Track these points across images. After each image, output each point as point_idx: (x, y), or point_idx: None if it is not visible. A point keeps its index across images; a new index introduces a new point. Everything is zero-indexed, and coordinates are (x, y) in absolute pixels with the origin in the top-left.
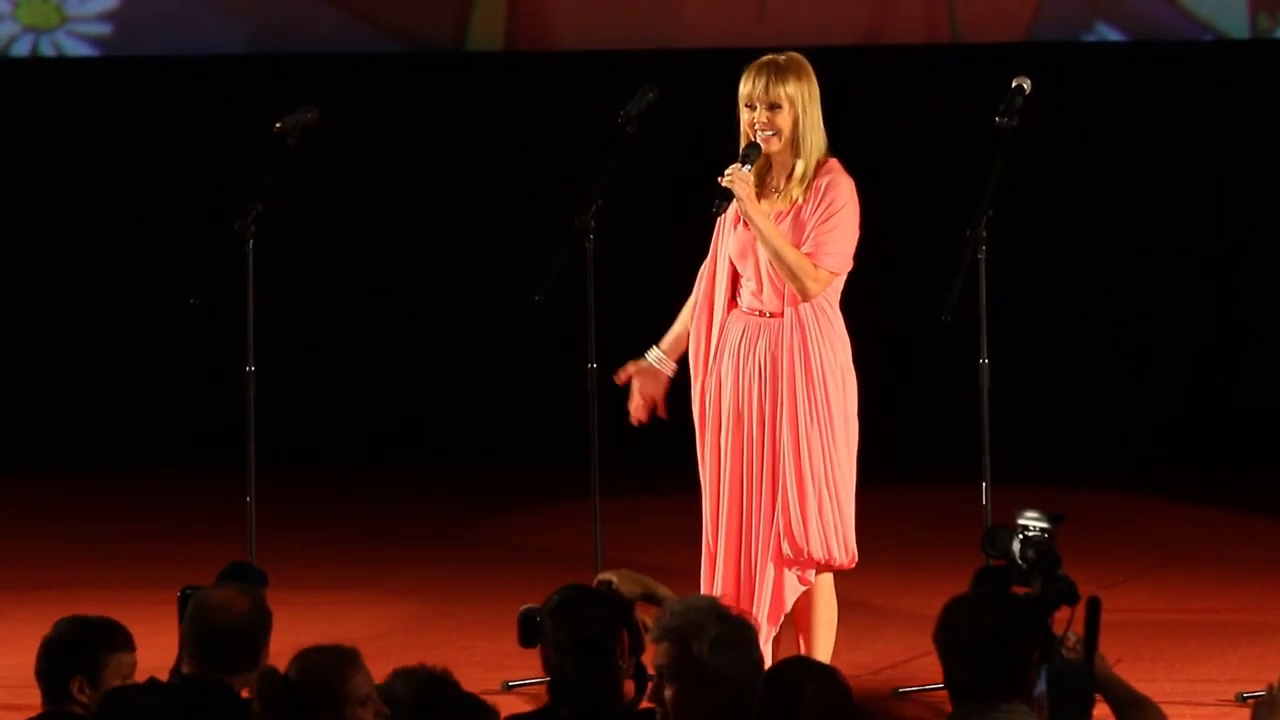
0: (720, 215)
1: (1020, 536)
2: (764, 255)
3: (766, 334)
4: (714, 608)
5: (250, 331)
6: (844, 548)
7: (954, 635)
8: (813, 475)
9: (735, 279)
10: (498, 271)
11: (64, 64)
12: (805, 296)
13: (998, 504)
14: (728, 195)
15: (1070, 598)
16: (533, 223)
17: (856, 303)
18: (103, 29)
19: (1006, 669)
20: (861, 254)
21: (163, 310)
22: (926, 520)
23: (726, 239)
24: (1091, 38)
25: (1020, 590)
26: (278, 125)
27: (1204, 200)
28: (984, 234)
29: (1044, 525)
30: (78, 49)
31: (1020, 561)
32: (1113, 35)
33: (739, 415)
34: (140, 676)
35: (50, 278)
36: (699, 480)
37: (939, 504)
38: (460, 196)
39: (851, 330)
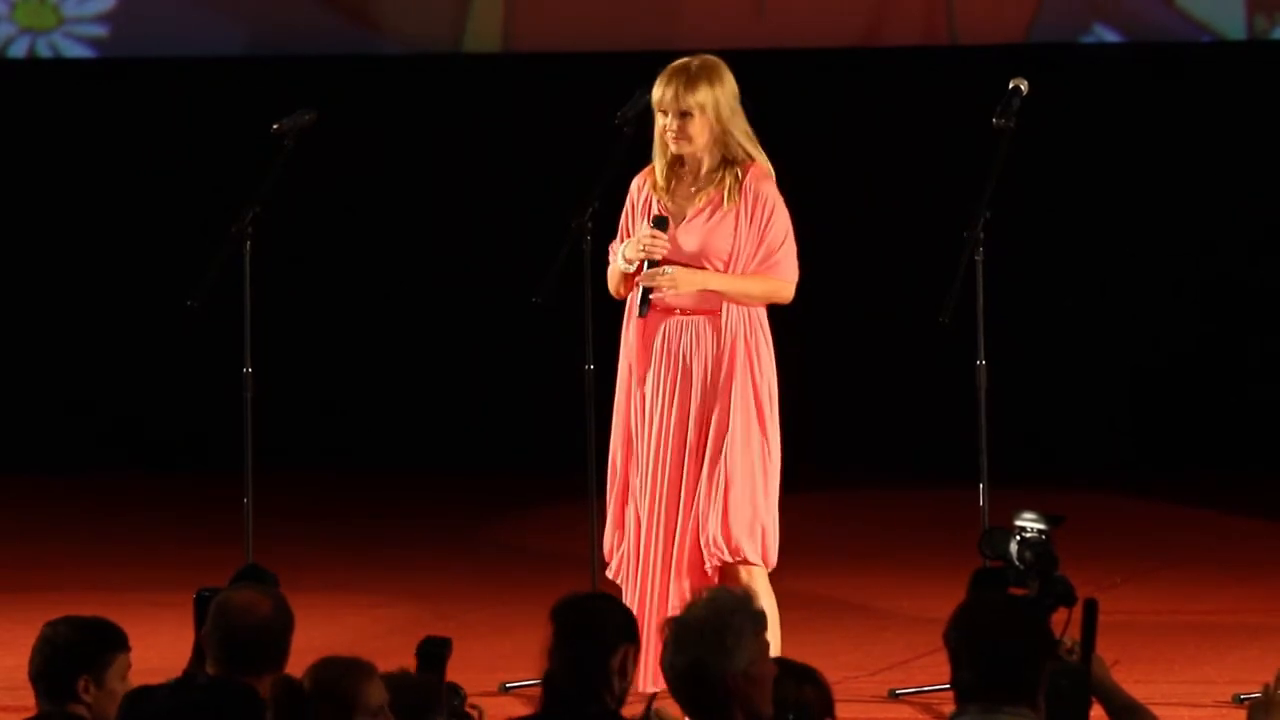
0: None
1: (1018, 538)
2: (687, 252)
3: (685, 333)
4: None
5: (248, 333)
6: (761, 545)
7: (967, 636)
8: (729, 470)
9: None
10: (495, 273)
11: (61, 65)
12: (784, 302)
13: (995, 505)
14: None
15: (1068, 599)
16: (530, 224)
17: (855, 304)
18: (100, 30)
19: (1017, 675)
20: (860, 256)
21: (160, 312)
22: (924, 522)
23: (639, 229)
24: (1089, 39)
25: (1018, 592)
26: (275, 127)
27: (1202, 201)
28: (981, 235)
29: (1041, 527)
30: (75, 50)
31: (1018, 563)
32: (1110, 37)
33: (663, 417)
34: (136, 677)
35: (48, 279)
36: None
37: (936, 505)
38: (458, 198)
39: (849, 332)
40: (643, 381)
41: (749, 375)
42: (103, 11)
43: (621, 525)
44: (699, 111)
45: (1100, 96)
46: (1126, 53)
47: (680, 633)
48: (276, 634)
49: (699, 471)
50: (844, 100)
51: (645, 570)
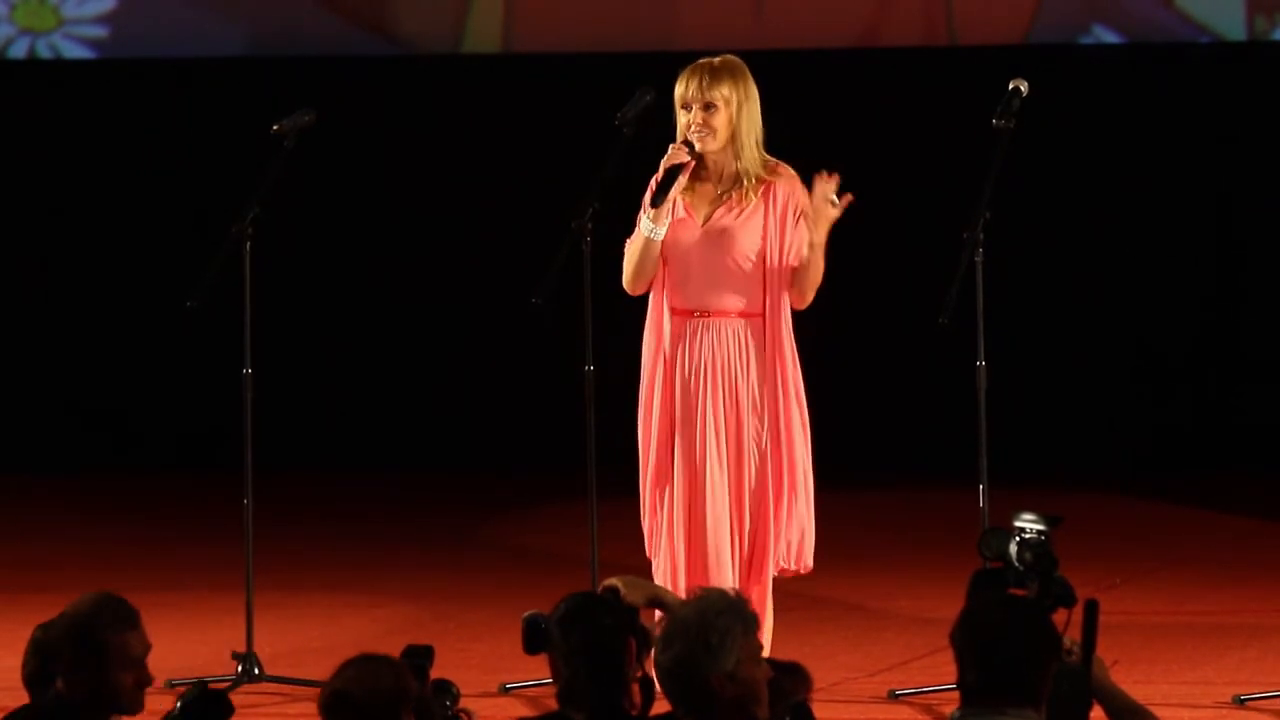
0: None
1: (1017, 539)
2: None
3: (724, 331)
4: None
5: (248, 334)
6: (809, 554)
7: (974, 637)
8: (781, 485)
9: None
10: (495, 274)
11: (61, 66)
12: (807, 303)
13: (995, 506)
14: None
15: (1067, 600)
16: (530, 225)
17: (854, 305)
18: (99, 31)
19: (1024, 676)
20: (859, 256)
21: (160, 313)
22: (923, 522)
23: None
24: (1088, 40)
25: (1017, 593)
26: (275, 128)
27: (1202, 202)
28: (981, 236)
29: (1041, 527)
30: (74, 51)
31: (1017, 564)
32: (1109, 37)
33: (698, 419)
34: None
35: (48, 280)
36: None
37: (936, 506)
38: (457, 199)
39: (849, 332)
40: (686, 378)
41: (796, 377)
42: (102, 12)
43: (656, 514)
44: (723, 105)
45: (1100, 97)
46: (1126, 53)
47: (669, 630)
48: (53, 650)
49: (758, 470)
50: (843, 101)
51: (689, 568)
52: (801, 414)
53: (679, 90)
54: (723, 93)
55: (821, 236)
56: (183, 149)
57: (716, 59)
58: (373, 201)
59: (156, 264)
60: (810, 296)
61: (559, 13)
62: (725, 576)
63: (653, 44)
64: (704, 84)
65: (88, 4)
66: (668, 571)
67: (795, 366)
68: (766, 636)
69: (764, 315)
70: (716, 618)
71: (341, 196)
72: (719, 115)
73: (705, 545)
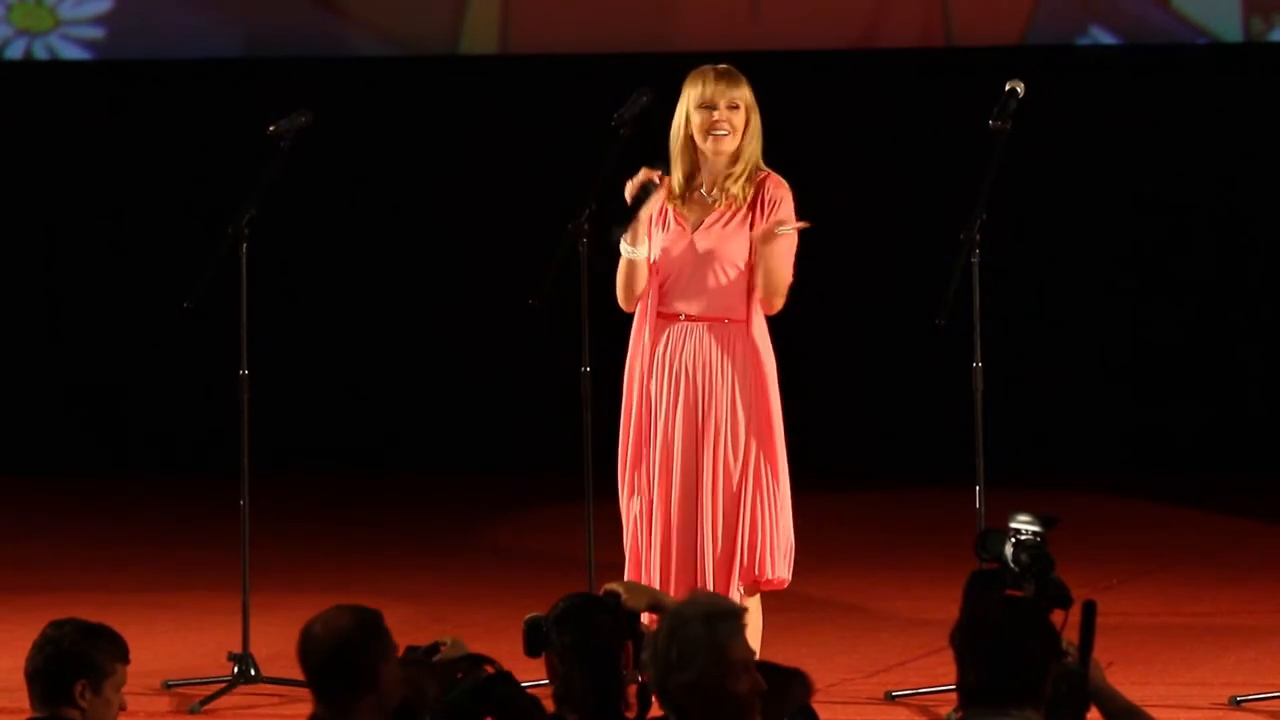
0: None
1: (1013, 540)
2: (709, 255)
3: (701, 336)
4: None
5: (244, 335)
6: (788, 565)
7: (976, 638)
8: (761, 495)
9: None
10: (492, 275)
11: (58, 67)
12: (775, 309)
13: (991, 507)
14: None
15: (1063, 602)
16: (527, 226)
17: (852, 306)
18: (96, 32)
19: (1026, 677)
20: (856, 257)
21: (157, 314)
22: (920, 523)
23: (654, 238)
24: (1085, 41)
25: (1014, 594)
26: (271, 129)
27: (1199, 202)
28: (978, 238)
29: (1037, 529)
30: (71, 52)
31: (1013, 565)
32: (1106, 39)
33: (676, 424)
34: (130, 679)
35: (45, 281)
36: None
37: (933, 507)
38: (455, 200)
39: (846, 333)
40: (664, 382)
41: (771, 386)
42: (99, 13)
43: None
44: (744, 106)
45: (1096, 98)
46: (1122, 55)
47: (648, 637)
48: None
49: (731, 479)
50: (840, 102)
51: (659, 573)
52: (777, 423)
53: (698, 91)
54: (744, 95)
55: (765, 244)
56: (179, 150)
57: (722, 66)
58: (370, 202)
59: (153, 265)
60: (775, 301)
61: (556, 14)
62: (703, 580)
63: (650, 45)
64: (729, 84)
65: (84, 5)
66: (642, 574)
67: (771, 374)
68: (755, 640)
69: (747, 322)
70: (685, 626)
71: (338, 198)
72: (740, 115)
73: (678, 549)
